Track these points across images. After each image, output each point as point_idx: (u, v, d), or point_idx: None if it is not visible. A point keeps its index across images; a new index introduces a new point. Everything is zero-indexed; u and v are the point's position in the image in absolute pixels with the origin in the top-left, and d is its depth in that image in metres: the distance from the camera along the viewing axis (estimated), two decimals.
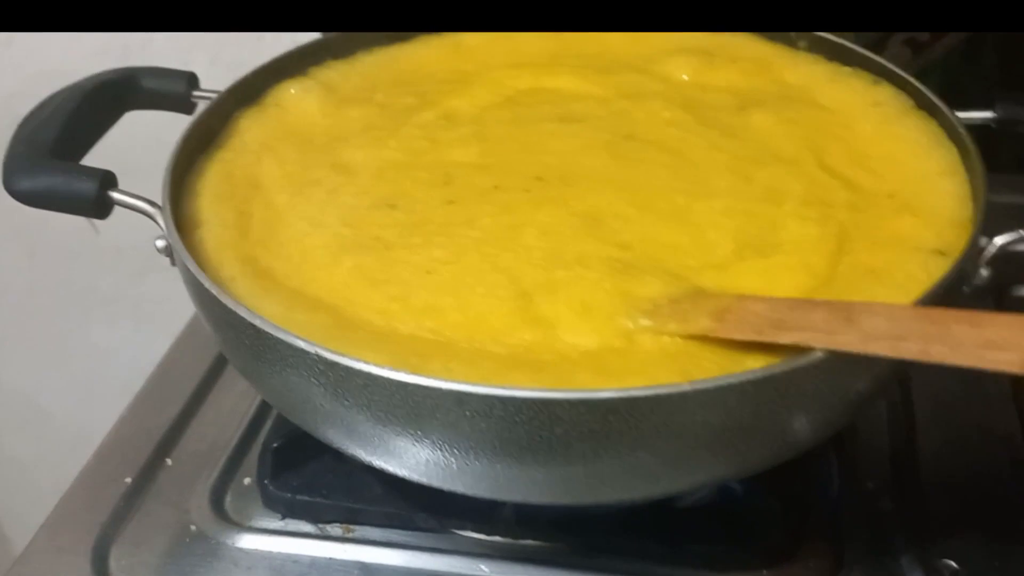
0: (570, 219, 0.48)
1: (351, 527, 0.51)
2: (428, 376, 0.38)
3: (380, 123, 0.55)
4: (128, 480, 0.54)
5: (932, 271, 0.44)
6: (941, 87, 0.53)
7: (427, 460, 0.41)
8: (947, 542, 0.49)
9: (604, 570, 0.48)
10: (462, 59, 0.60)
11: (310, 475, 0.53)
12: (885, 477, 0.52)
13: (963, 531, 0.49)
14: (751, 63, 0.58)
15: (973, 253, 0.44)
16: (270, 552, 0.50)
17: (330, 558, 0.50)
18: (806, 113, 0.54)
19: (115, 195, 0.49)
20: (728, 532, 0.49)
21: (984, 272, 0.45)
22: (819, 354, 0.38)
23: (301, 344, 0.40)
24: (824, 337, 0.38)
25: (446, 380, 0.38)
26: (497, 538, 0.50)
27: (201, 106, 0.54)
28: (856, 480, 0.52)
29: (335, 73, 0.59)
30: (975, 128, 0.50)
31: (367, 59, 0.61)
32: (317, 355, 0.39)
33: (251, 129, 0.54)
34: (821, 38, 0.58)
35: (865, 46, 0.56)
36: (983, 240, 0.44)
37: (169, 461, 0.56)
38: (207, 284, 0.43)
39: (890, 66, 0.55)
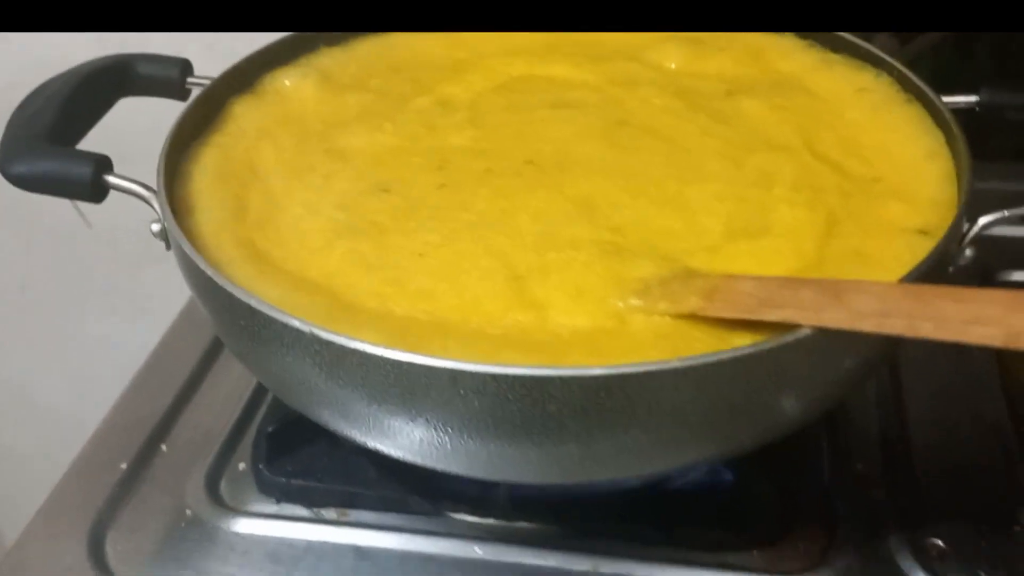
0: (563, 204, 0.49)
1: (346, 511, 0.52)
2: (422, 354, 0.38)
3: (376, 109, 0.55)
4: (123, 466, 0.54)
5: (917, 252, 0.44)
6: (932, 76, 0.53)
7: (422, 440, 0.42)
8: (935, 523, 0.49)
9: (597, 552, 0.49)
10: (457, 46, 0.61)
11: (305, 460, 0.53)
12: (875, 461, 0.53)
13: (951, 512, 0.50)
14: (741, 51, 0.59)
15: (956, 233, 0.44)
16: (265, 536, 0.51)
17: (325, 542, 0.50)
18: (796, 100, 0.55)
19: (110, 179, 0.49)
20: (720, 515, 0.50)
21: (968, 252, 0.46)
22: (807, 331, 0.39)
23: (297, 324, 0.40)
24: (812, 314, 0.39)
25: (440, 358, 0.38)
26: (491, 521, 0.51)
27: (195, 92, 0.55)
28: (847, 464, 0.53)
29: (330, 60, 0.59)
30: (965, 116, 0.51)
31: (362, 46, 0.61)
32: (313, 335, 0.40)
33: (246, 115, 0.55)
34: None
35: (854, 34, 0.57)
36: (967, 221, 0.45)
37: (164, 447, 0.56)
38: (203, 266, 0.43)
39: (879, 53, 0.56)
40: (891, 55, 0.55)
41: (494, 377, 0.38)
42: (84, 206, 1.06)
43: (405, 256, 0.46)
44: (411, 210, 0.49)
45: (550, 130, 0.54)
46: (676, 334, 0.41)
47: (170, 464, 0.55)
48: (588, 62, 0.59)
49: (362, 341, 0.39)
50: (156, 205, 0.48)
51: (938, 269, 0.42)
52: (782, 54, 0.59)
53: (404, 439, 0.43)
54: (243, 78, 0.57)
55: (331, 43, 0.60)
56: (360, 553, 0.49)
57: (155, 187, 0.48)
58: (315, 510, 0.52)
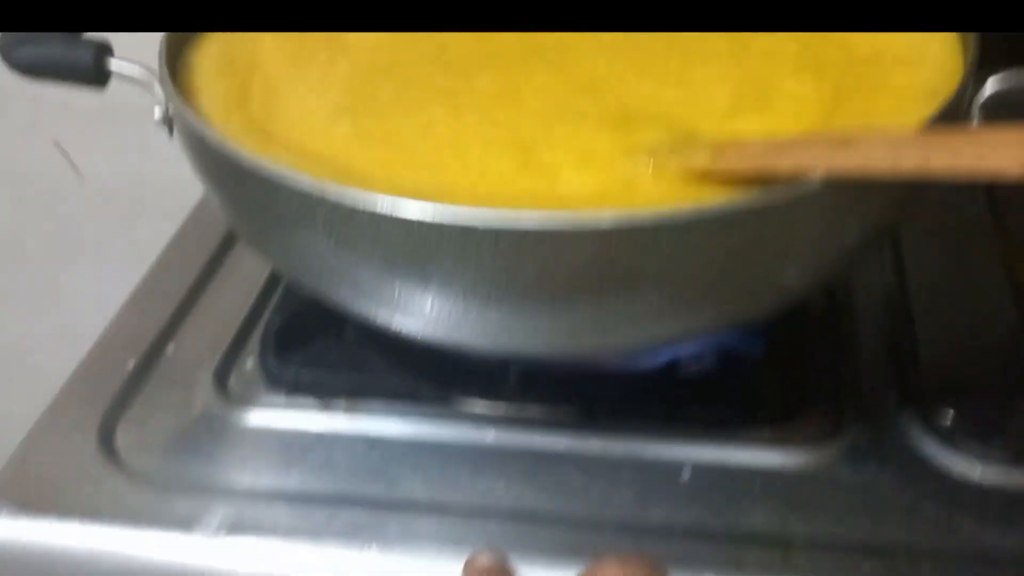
0: (567, 82, 0.49)
1: (355, 401, 0.52)
2: (434, 203, 0.38)
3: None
4: (131, 365, 0.54)
5: (925, 114, 0.44)
6: None
7: (433, 308, 0.42)
8: (945, 398, 0.49)
9: (608, 434, 0.49)
10: None
11: (313, 353, 0.53)
12: (882, 345, 0.53)
13: (960, 388, 0.50)
14: None
15: (964, 93, 0.44)
16: (276, 427, 0.51)
17: (335, 431, 0.50)
18: None
19: (112, 64, 0.49)
20: (730, 396, 0.50)
21: (976, 118, 0.46)
22: (818, 180, 0.38)
23: (307, 185, 0.40)
24: (823, 160, 0.39)
25: (453, 213, 0.38)
26: (501, 407, 0.50)
27: None
28: (854, 348, 0.53)
29: None
30: None
31: None
32: (323, 196, 0.40)
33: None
34: None
35: None
36: (975, 83, 0.45)
37: (172, 347, 0.56)
38: (210, 138, 0.43)
39: None
40: None
41: (508, 231, 0.38)
42: (76, 157, 1.07)
43: (410, 131, 0.46)
44: (414, 90, 0.48)
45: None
46: (685, 195, 0.41)
47: (178, 363, 0.55)
48: None
49: (373, 198, 0.39)
50: (158, 89, 0.48)
51: None
52: None
53: (416, 309, 0.42)
54: None
55: None
56: (370, 442, 0.49)
57: (157, 72, 0.48)
58: (325, 401, 0.51)
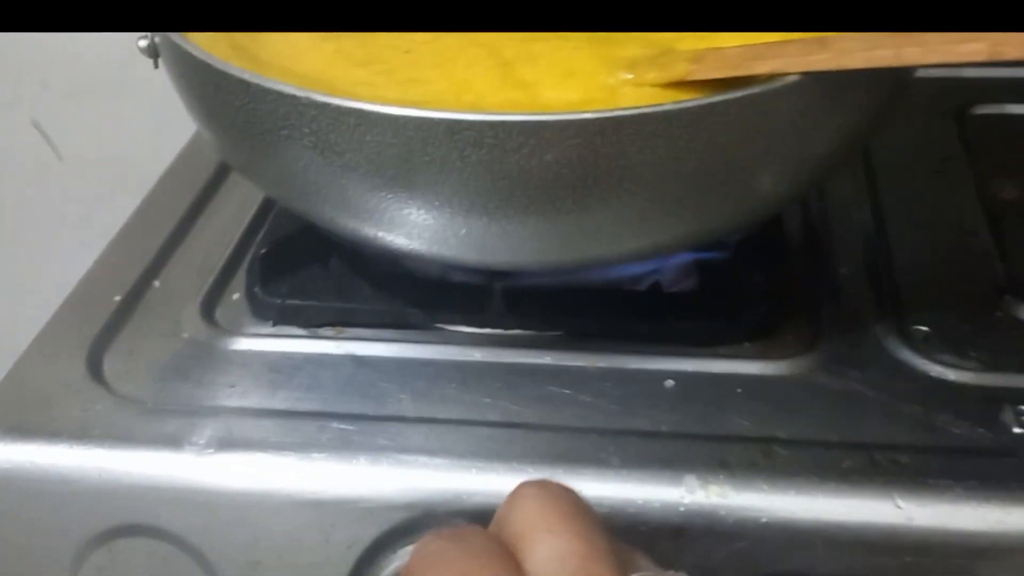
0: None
1: (342, 328, 0.52)
2: (419, 108, 0.39)
3: None
4: (117, 299, 0.54)
5: None
6: None
7: (419, 213, 0.42)
8: (920, 313, 0.50)
9: (593, 350, 0.49)
10: None
11: (299, 283, 0.53)
12: (858, 264, 0.54)
13: (935, 304, 0.51)
14: None
15: None
16: (264, 351, 0.51)
17: (324, 353, 0.51)
18: None
19: None
20: (712, 311, 0.50)
21: None
22: (795, 77, 0.39)
23: (291, 91, 0.40)
24: (800, 61, 0.40)
25: (438, 110, 0.39)
26: (487, 330, 0.51)
27: None
28: (830, 267, 0.54)
29: None
30: None
31: None
32: (309, 99, 0.40)
33: None
34: None
35: None
36: None
37: (157, 283, 0.56)
38: (195, 51, 0.43)
39: None
40: None
41: (491, 125, 0.39)
42: (56, 139, 1.07)
43: (392, 52, 0.47)
44: None
45: None
46: (666, 100, 0.42)
47: (164, 297, 0.55)
48: None
49: (359, 100, 0.39)
50: None
51: None
52: None
53: (401, 220, 0.43)
54: None
55: None
56: (358, 361, 0.50)
57: None
58: (311, 330, 0.52)
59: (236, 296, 0.55)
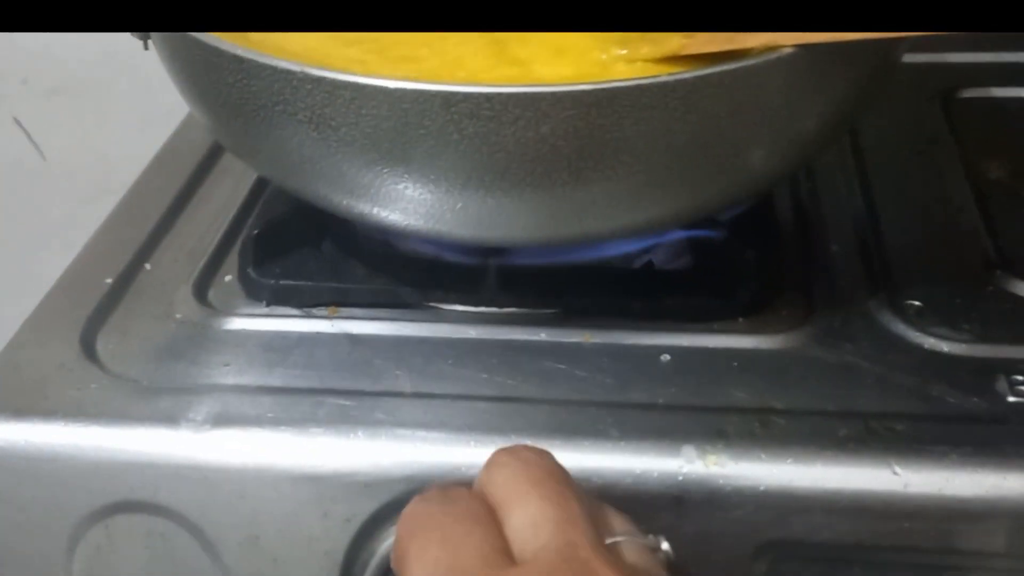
0: None
1: (336, 308, 0.52)
2: (415, 81, 0.39)
3: None
4: (108, 281, 0.54)
5: None
6: None
7: (414, 188, 0.42)
8: (911, 288, 0.51)
9: (587, 327, 0.50)
10: None
11: (292, 264, 0.53)
12: (849, 241, 0.55)
13: (927, 279, 0.51)
14: None
15: None
16: (258, 330, 0.51)
17: (318, 332, 0.51)
18: None
19: None
20: (706, 288, 0.51)
21: None
22: (790, 49, 0.40)
23: (287, 66, 0.40)
24: (793, 34, 0.40)
25: (434, 83, 0.39)
26: (482, 308, 0.51)
27: None
28: (822, 244, 0.54)
29: None
30: None
31: None
32: (304, 74, 0.40)
33: None
34: None
35: None
36: None
37: (148, 266, 0.56)
38: (191, 34, 0.43)
39: None
40: None
41: (488, 97, 0.39)
42: (38, 138, 1.06)
43: (383, 33, 0.46)
44: None
45: None
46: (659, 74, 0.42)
47: (156, 279, 0.55)
48: None
49: (355, 74, 0.40)
50: None
51: None
52: None
53: (396, 196, 0.43)
54: None
55: None
56: (353, 339, 0.50)
57: None
58: (305, 310, 0.52)
59: (229, 278, 0.55)
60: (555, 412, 0.45)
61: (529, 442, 0.43)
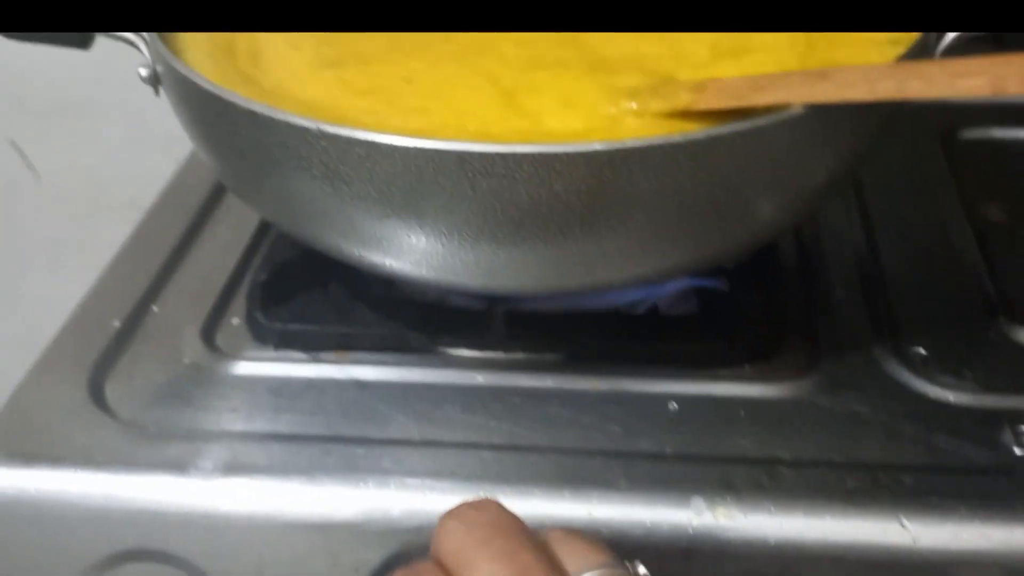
0: (546, 35, 0.50)
1: (344, 353, 0.52)
2: (430, 138, 0.39)
3: None
4: (116, 324, 0.54)
5: (889, 59, 0.46)
6: None
7: (427, 241, 0.43)
8: (916, 334, 0.51)
9: (594, 373, 0.50)
10: None
11: (299, 307, 0.54)
12: (853, 286, 0.55)
13: (930, 325, 0.52)
14: None
15: (928, 41, 0.46)
16: (266, 375, 0.51)
17: (326, 378, 0.51)
18: None
19: None
20: (711, 334, 0.51)
21: None
22: (798, 109, 0.40)
23: (302, 122, 0.41)
24: (802, 92, 0.40)
25: (448, 141, 0.39)
26: (489, 353, 0.52)
27: None
28: (826, 290, 0.55)
29: None
30: None
31: None
32: (319, 131, 0.41)
33: None
34: None
35: None
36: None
37: (156, 308, 0.56)
38: (202, 82, 0.44)
39: None
40: None
41: (502, 156, 0.39)
42: (33, 157, 1.06)
43: (393, 81, 0.47)
44: (395, 44, 0.50)
45: None
46: (669, 130, 0.43)
47: (163, 322, 0.55)
48: None
49: (370, 131, 0.40)
50: (144, 48, 0.49)
51: None
52: None
53: (408, 248, 0.43)
54: None
55: None
56: (361, 385, 0.50)
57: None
58: (313, 354, 0.52)
59: (236, 321, 0.55)
60: (563, 461, 0.45)
61: (538, 492, 0.44)
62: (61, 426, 0.48)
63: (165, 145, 0.69)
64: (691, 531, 0.42)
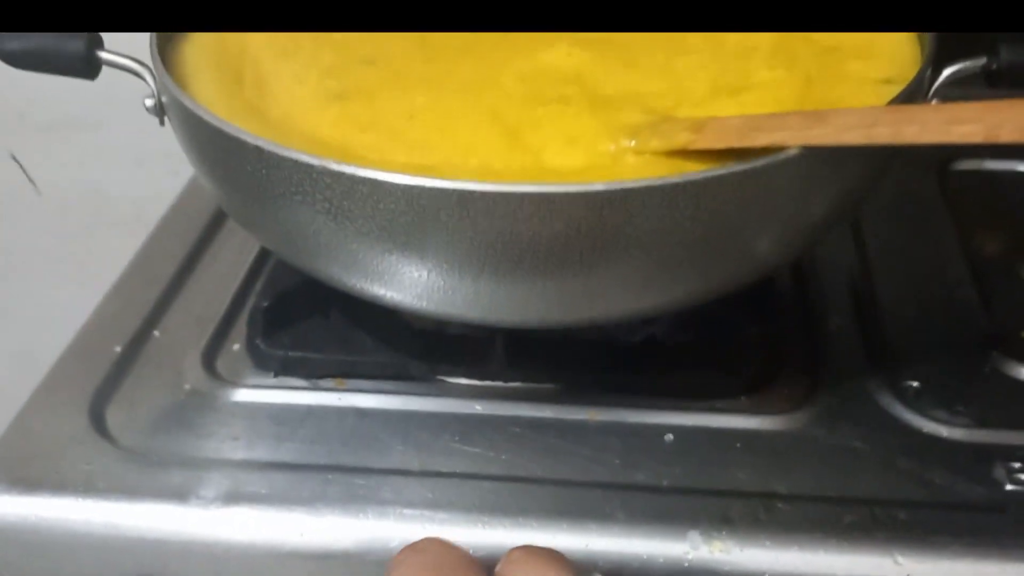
0: (546, 71, 0.50)
1: (344, 380, 0.53)
2: (433, 177, 0.40)
3: None
4: (118, 349, 0.55)
5: (885, 98, 0.47)
6: None
7: (428, 276, 0.43)
8: (910, 368, 0.52)
9: (591, 404, 0.51)
10: None
11: (300, 334, 0.54)
12: (849, 318, 0.56)
13: (925, 359, 0.53)
14: None
15: (923, 79, 0.47)
16: (267, 403, 0.52)
17: (326, 405, 0.51)
18: None
19: (103, 55, 0.50)
20: (709, 363, 0.52)
21: (934, 102, 0.48)
22: (796, 150, 0.41)
23: (307, 159, 0.41)
24: (799, 134, 0.41)
25: (451, 180, 0.40)
26: (488, 383, 0.52)
27: None
28: (822, 321, 0.55)
29: None
30: None
31: None
32: (323, 168, 0.41)
33: None
34: None
35: None
36: (931, 70, 0.48)
37: (157, 333, 0.57)
38: (208, 116, 0.44)
39: None
40: None
41: (503, 196, 0.40)
42: (34, 172, 1.07)
43: (396, 117, 0.47)
44: (398, 78, 0.50)
45: None
46: (668, 168, 0.43)
47: (164, 347, 0.56)
48: None
49: (374, 169, 0.40)
50: (149, 79, 0.49)
51: None
52: None
53: (410, 281, 0.44)
54: None
55: None
56: (362, 413, 0.51)
57: (147, 63, 0.49)
58: (313, 381, 0.53)
59: (237, 347, 0.56)
60: (561, 493, 0.46)
61: (535, 524, 0.44)
62: (63, 453, 0.49)
63: (167, 161, 0.69)
64: (687, 564, 0.42)
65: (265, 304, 0.55)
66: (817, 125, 0.41)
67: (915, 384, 0.51)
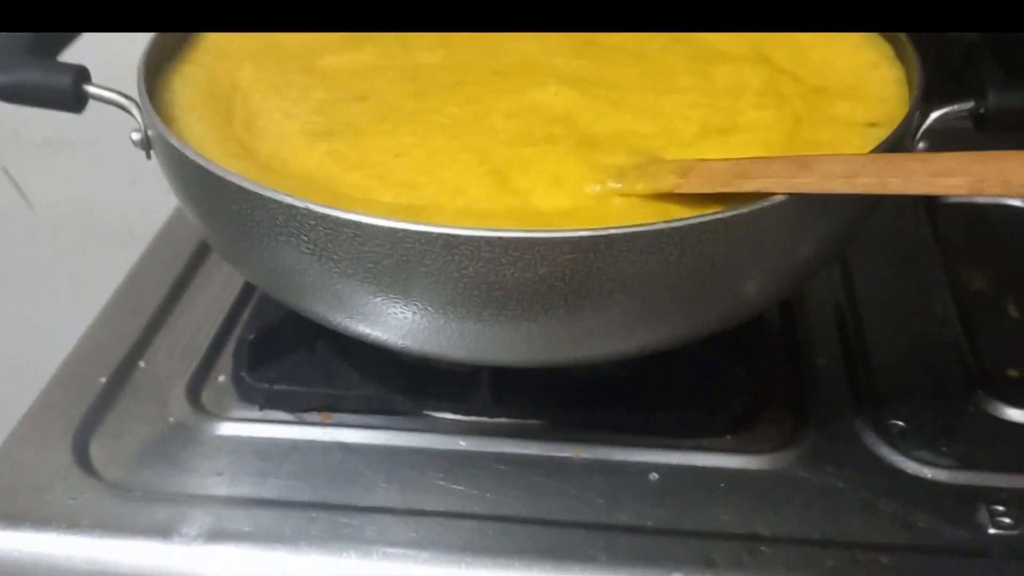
0: (535, 107, 0.50)
1: (329, 414, 0.53)
2: (418, 222, 0.40)
3: (354, 36, 0.56)
4: (103, 380, 0.55)
5: (871, 143, 0.47)
6: None
7: (414, 318, 0.43)
8: (895, 407, 0.52)
9: (577, 440, 0.51)
10: None
11: (285, 367, 0.54)
12: (835, 356, 0.56)
13: (909, 398, 0.53)
14: None
15: (910, 124, 0.47)
16: (251, 437, 0.52)
17: (311, 440, 0.51)
18: None
19: (90, 89, 0.50)
20: (695, 402, 0.52)
21: (921, 145, 0.49)
22: (781, 197, 0.41)
23: (292, 200, 0.41)
24: (785, 182, 0.41)
25: (435, 225, 0.40)
26: (473, 418, 0.52)
27: None
28: (809, 360, 0.55)
29: None
30: None
31: None
32: (308, 210, 0.41)
33: (228, 40, 0.56)
34: None
35: None
36: (919, 115, 0.48)
37: (142, 363, 0.56)
38: (193, 156, 0.44)
39: None
40: None
41: (488, 241, 0.40)
42: (27, 188, 1.06)
43: (383, 156, 0.47)
44: (386, 115, 0.50)
45: (517, 45, 0.56)
46: (654, 212, 0.43)
47: (149, 378, 0.55)
48: None
49: (358, 212, 0.40)
50: (136, 113, 0.49)
51: None
52: None
53: (395, 321, 0.44)
54: None
55: None
56: (346, 448, 0.51)
57: (135, 97, 0.49)
58: (298, 415, 0.53)
59: (222, 379, 0.55)
60: (545, 534, 0.46)
61: (519, 565, 0.44)
62: (47, 487, 0.49)
63: (160, 178, 0.69)
64: None
65: (251, 336, 0.55)
66: (802, 173, 0.41)
67: (900, 423, 0.51)
